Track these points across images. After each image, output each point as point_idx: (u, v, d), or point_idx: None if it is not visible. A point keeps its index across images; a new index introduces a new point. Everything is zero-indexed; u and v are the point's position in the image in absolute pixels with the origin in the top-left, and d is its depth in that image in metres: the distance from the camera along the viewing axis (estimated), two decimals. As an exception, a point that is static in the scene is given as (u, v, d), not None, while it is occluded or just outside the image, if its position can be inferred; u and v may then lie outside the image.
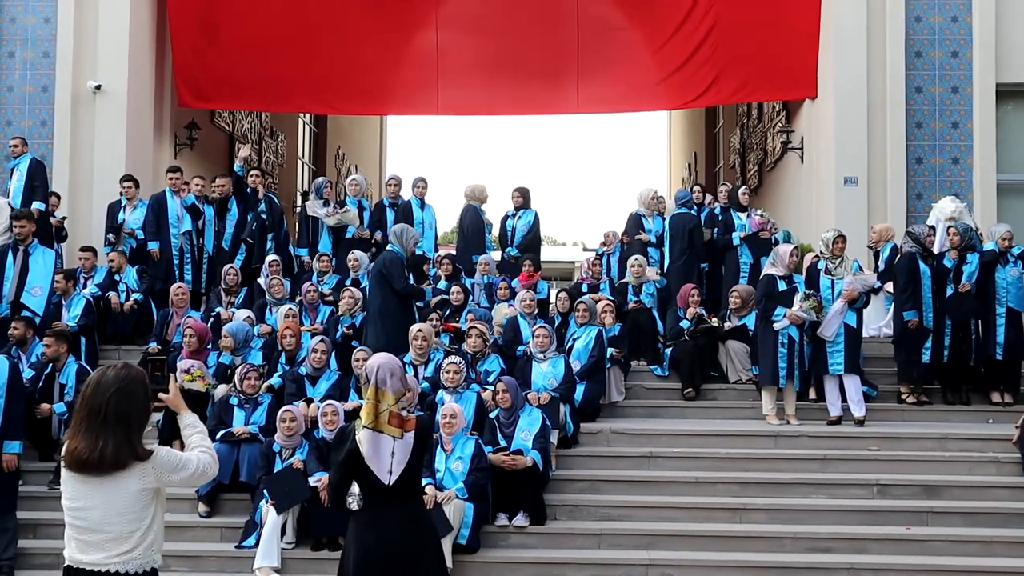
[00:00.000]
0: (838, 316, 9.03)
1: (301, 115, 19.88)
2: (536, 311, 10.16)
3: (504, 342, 9.71)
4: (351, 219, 11.97)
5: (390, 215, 12.13)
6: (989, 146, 12.46)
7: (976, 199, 12.28)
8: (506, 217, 12.50)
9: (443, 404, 7.70)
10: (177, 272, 11.44)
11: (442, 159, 78.25)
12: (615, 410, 9.59)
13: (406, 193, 12.47)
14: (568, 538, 7.47)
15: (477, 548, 7.16)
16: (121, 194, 11.83)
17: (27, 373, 8.36)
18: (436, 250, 12.51)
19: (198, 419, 4.11)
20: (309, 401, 8.32)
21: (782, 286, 9.20)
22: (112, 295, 10.81)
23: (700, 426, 9.11)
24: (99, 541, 3.68)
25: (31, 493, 7.87)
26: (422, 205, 12.31)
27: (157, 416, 7.95)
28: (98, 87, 12.74)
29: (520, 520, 7.39)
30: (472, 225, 12.34)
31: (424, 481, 6.33)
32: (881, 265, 10.83)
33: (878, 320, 10.84)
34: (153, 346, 10.06)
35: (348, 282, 10.75)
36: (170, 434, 7.53)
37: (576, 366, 9.07)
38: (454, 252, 12.55)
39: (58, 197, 11.94)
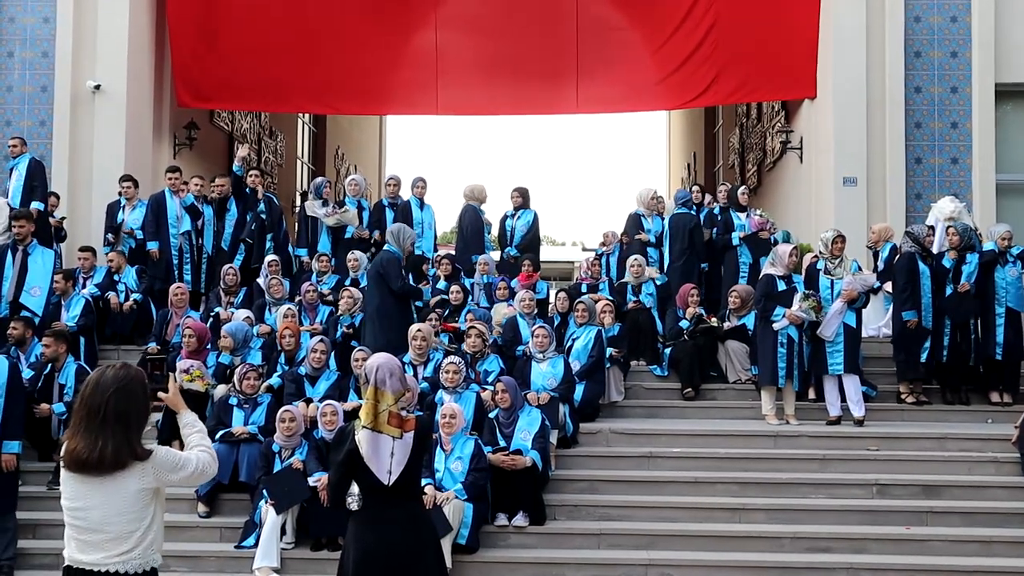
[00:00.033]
0: (837, 316, 9.04)
1: (300, 115, 19.87)
2: (535, 311, 10.16)
3: (503, 342, 9.72)
4: (350, 219, 11.97)
5: (389, 215, 12.13)
6: (988, 146, 12.46)
7: (975, 199, 12.29)
8: (505, 217, 12.51)
9: (442, 404, 7.70)
10: (176, 272, 11.44)
11: (441, 159, 78.32)
12: (614, 410, 9.59)
13: (405, 193, 12.48)
14: (567, 538, 7.46)
15: (476, 548, 7.16)
16: (120, 194, 11.83)
17: (26, 373, 8.36)
18: (435, 250, 12.51)
19: (197, 418, 4.11)
20: (308, 401, 8.32)
21: (781, 286, 9.20)
22: (111, 295, 10.81)
23: (699, 426, 9.11)
24: (99, 541, 3.68)
25: (31, 493, 7.87)
26: (421, 205, 12.32)
27: (156, 416, 7.96)
28: (97, 87, 12.74)
29: (519, 520, 7.39)
30: (471, 225, 12.34)
31: (423, 481, 6.34)
32: (880, 265, 10.83)
33: (877, 320, 10.84)
34: (152, 346, 10.05)
35: (347, 282, 10.75)
36: (169, 434, 7.53)
37: (575, 366, 9.07)
38: (453, 252, 12.56)
39: (57, 197, 11.93)
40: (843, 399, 9.08)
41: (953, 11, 12.63)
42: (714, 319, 10.51)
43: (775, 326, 9.04)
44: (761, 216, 11.83)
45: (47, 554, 7.15)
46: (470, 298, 11.22)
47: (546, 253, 16.08)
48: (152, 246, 11.42)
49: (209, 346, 9.44)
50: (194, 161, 14.29)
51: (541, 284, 11.49)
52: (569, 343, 9.41)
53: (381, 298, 9.08)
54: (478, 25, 14.03)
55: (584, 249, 27.85)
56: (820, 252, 9.55)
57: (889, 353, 10.07)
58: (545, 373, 8.68)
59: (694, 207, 12.03)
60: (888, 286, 10.34)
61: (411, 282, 9.97)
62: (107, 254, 11.35)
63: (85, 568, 3.70)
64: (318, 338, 8.85)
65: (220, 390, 8.62)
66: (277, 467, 7.56)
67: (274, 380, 8.75)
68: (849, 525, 7.61)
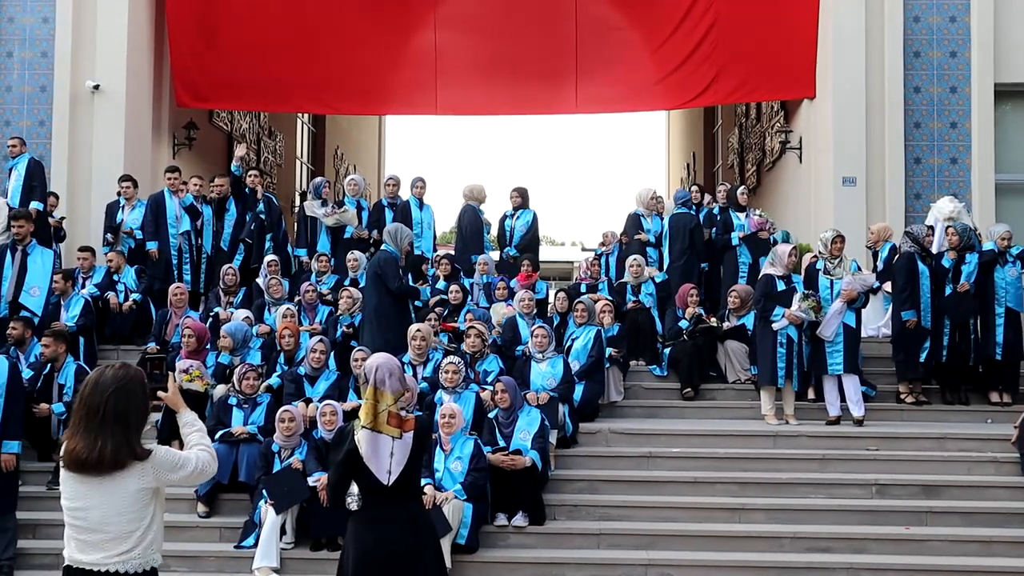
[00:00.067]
0: (837, 316, 9.03)
1: (299, 115, 19.88)
2: (535, 311, 10.16)
3: (503, 342, 9.72)
4: (349, 219, 11.97)
5: (389, 215, 12.12)
6: (987, 146, 12.46)
7: (974, 199, 12.29)
8: (504, 217, 12.51)
9: (442, 404, 7.70)
10: (176, 272, 11.43)
11: (441, 159, 78.36)
12: (614, 410, 9.59)
13: (405, 193, 12.48)
14: (567, 538, 7.46)
15: (476, 548, 7.15)
16: (119, 194, 11.82)
17: (26, 373, 8.35)
18: (435, 250, 12.51)
19: (197, 417, 4.10)
20: (308, 401, 8.32)
21: (781, 286, 9.20)
22: (111, 295, 10.80)
23: (699, 426, 9.11)
24: (98, 541, 3.68)
25: (30, 493, 7.86)
26: (420, 205, 12.32)
27: (156, 416, 7.95)
28: (96, 87, 12.73)
29: (519, 520, 7.38)
30: (471, 225, 12.35)
31: (423, 481, 6.34)
32: (880, 265, 10.84)
33: (877, 320, 10.85)
34: (152, 346, 10.05)
35: (347, 282, 10.75)
36: (169, 433, 7.54)
37: (575, 366, 9.07)
38: (452, 252, 12.56)
39: (56, 197, 11.92)
40: (843, 399, 9.08)
41: (952, 11, 12.63)
42: (713, 319, 10.52)
43: (774, 326, 9.04)
44: (760, 216, 11.83)
45: (47, 554, 7.15)
46: (469, 298, 11.22)
47: (545, 253, 16.08)
48: (151, 246, 11.42)
49: (208, 346, 9.43)
50: (193, 161, 14.29)
51: (540, 284, 11.49)
52: (568, 343, 9.41)
53: (379, 298, 9.08)
54: (477, 25, 14.04)
55: (583, 249, 27.84)
56: (819, 252, 9.55)
57: (888, 353, 10.07)
58: (544, 373, 8.68)
59: (693, 207, 12.03)
60: (887, 286, 10.34)
61: (410, 282, 9.96)
62: (106, 254, 11.34)
63: (85, 568, 3.70)
64: (317, 338, 8.85)
65: (219, 390, 8.62)
66: (276, 467, 7.56)
67: (273, 380, 8.75)
68: (849, 525, 7.61)
